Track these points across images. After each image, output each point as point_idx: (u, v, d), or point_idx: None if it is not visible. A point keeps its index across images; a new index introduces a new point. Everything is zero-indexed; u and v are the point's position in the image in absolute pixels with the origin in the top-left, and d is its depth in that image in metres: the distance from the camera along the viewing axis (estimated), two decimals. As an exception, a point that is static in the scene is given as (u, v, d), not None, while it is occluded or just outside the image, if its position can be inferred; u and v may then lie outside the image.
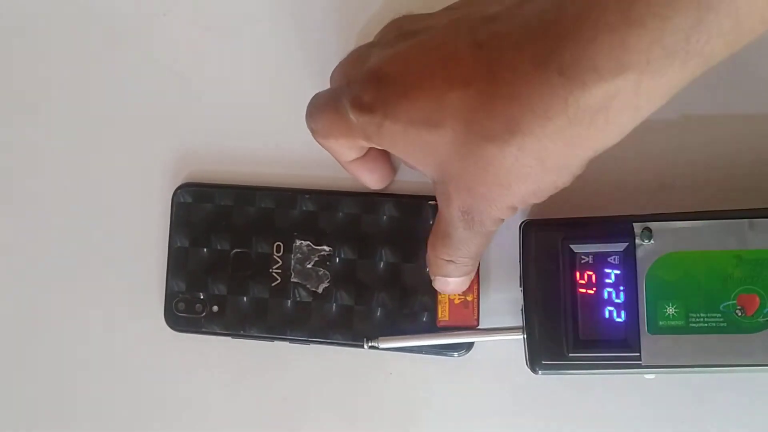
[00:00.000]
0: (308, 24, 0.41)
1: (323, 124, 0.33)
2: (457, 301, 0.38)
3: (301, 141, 0.40)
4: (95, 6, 0.43)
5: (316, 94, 0.35)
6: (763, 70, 0.37)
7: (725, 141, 0.37)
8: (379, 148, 0.32)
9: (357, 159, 0.36)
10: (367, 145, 0.33)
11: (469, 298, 0.38)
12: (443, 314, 0.38)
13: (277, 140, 0.41)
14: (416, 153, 0.30)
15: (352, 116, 0.31)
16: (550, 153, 0.27)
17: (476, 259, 0.34)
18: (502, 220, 0.31)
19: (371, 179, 0.38)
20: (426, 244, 0.35)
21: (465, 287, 0.36)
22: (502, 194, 0.29)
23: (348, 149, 0.34)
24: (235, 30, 0.42)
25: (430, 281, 0.36)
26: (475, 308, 0.38)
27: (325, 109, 0.33)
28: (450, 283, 0.35)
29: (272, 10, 0.41)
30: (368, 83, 0.30)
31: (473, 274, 0.36)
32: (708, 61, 0.24)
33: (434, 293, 0.38)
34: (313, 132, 0.34)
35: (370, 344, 0.37)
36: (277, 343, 0.40)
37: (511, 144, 0.27)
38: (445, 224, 0.32)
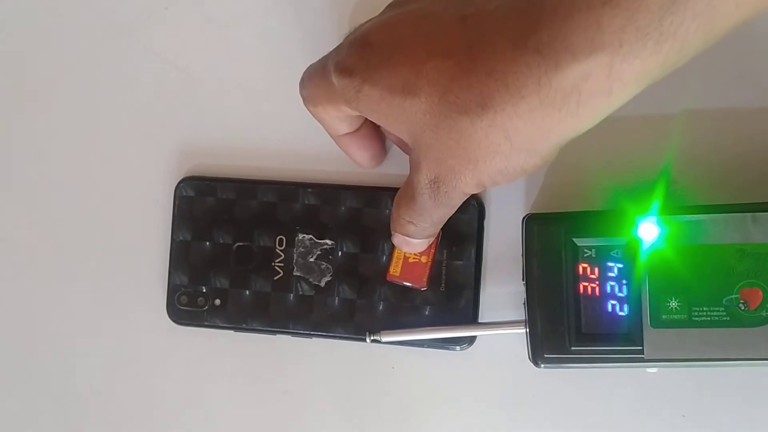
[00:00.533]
0: (310, 16, 0.41)
1: (311, 90, 0.34)
2: (411, 260, 0.38)
3: (303, 135, 0.40)
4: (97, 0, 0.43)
5: (310, 65, 0.35)
6: (765, 65, 0.37)
7: (728, 135, 0.37)
8: (358, 113, 0.32)
9: (348, 134, 0.36)
10: (349, 111, 0.33)
11: (423, 260, 0.38)
12: (395, 269, 0.38)
13: (279, 134, 0.41)
14: (392, 119, 0.30)
15: (334, 79, 0.31)
16: (519, 132, 0.27)
17: (438, 225, 0.35)
18: (468, 194, 0.31)
19: (363, 157, 0.38)
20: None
21: (423, 248, 0.37)
22: (470, 168, 0.29)
23: (338, 120, 0.34)
24: (237, 23, 0.42)
25: (390, 237, 0.36)
26: (427, 270, 0.38)
27: (313, 75, 0.33)
28: (409, 242, 0.35)
29: (274, 2, 0.41)
30: (353, 47, 0.30)
31: (433, 238, 0.36)
32: (683, 46, 0.24)
33: (392, 250, 0.38)
34: (303, 99, 0.35)
35: (372, 338, 0.37)
36: (279, 336, 0.40)
37: (483, 119, 0.27)
38: (412, 189, 0.32)
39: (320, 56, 0.39)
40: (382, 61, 0.29)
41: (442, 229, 0.37)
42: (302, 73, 0.35)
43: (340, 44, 0.32)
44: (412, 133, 0.30)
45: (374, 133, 0.37)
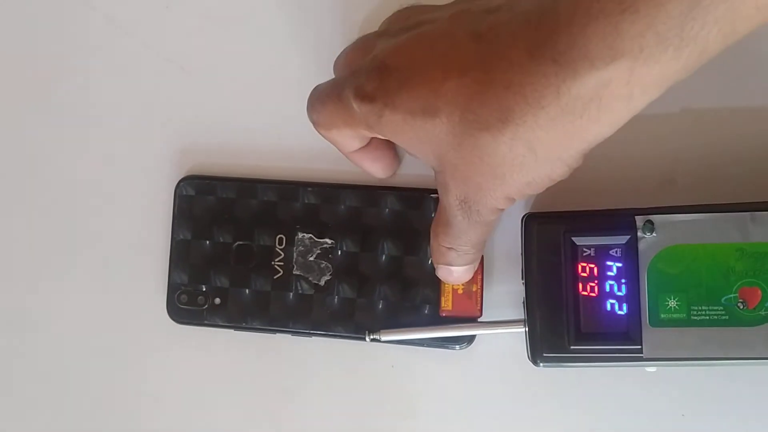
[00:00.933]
0: (311, 15, 0.41)
1: (325, 115, 0.34)
2: (460, 291, 0.38)
3: (303, 134, 0.40)
4: (98, -2, 0.43)
5: (317, 86, 0.35)
6: (765, 63, 0.37)
7: (728, 134, 0.37)
8: (381, 137, 0.32)
9: (360, 149, 0.36)
10: (369, 135, 0.33)
11: (473, 289, 0.38)
12: (446, 304, 0.38)
13: (279, 133, 0.41)
14: (415, 142, 0.30)
15: (355, 105, 0.31)
16: (542, 143, 0.27)
17: (478, 247, 0.34)
18: (500, 210, 0.31)
19: (376, 169, 0.38)
20: (429, 236, 0.35)
21: (468, 277, 0.36)
22: (497, 184, 0.29)
23: (351, 139, 0.35)
24: (237, 22, 0.42)
25: (434, 271, 0.36)
26: (479, 298, 0.38)
27: (327, 101, 0.33)
28: (453, 272, 0.35)
29: (275, 1, 0.41)
30: (371, 73, 0.30)
31: (476, 264, 0.36)
32: (703, 50, 0.24)
33: (437, 284, 0.38)
34: (315, 124, 0.34)
35: (371, 337, 0.38)
36: (278, 335, 0.40)
37: (504, 133, 0.27)
38: (445, 213, 0.32)
39: (321, 53, 0.40)
40: (401, 85, 0.29)
41: (483, 255, 0.37)
42: (309, 95, 0.35)
43: (356, 69, 0.32)
44: (437, 155, 0.30)
45: (385, 144, 0.37)
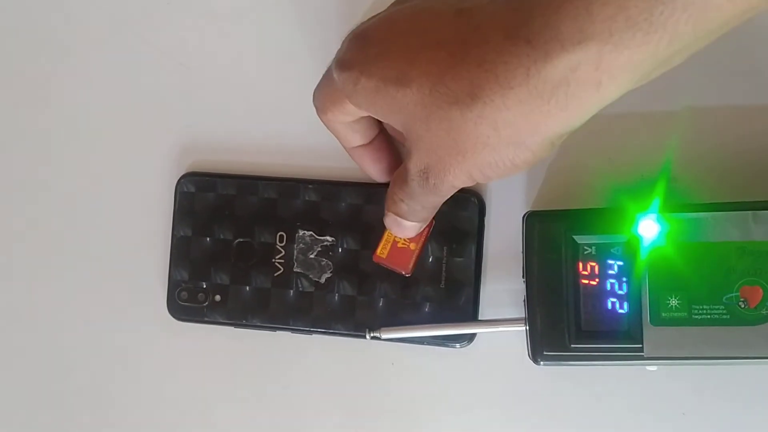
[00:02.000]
0: (312, 12, 0.41)
1: (319, 98, 0.34)
2: (400, 245, 0.37)
3: (304, 131, 0.40)
4: (99, -5, 0.43)
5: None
6: (767, 62, 0.37)
7: (730, 133, 0.37)
8: (360, 110, 0.32)
9: (362, 146, 0.36)
10: (353, 110, 0.33)
11: (412, 247, 0.37)
12: (383, 251, 0.38)
13: (280, 130, 0.41)
14: (387, 110, 0.30)
15: (335, 75, 0.31)
16: (508, 124, 0.27)
17: (430, 210, 0.34)
18: (458, 187, 0.31)
19: (376, 169, 0.38)
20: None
21: (412, 234, 0.36)
22: (459, 160, 0.29)
23: (351, 131, 0.35)
24: (238, 18, 0.42)
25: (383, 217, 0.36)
26: (414, 258, 0.37)
27: (321, 82, 0.34)
28: (400, 224, 0.35)
29: (276, -1, 0.41)
30: (352, 42, 0.31)
31: (425, 224, 0.36)
32: (672, 38, 0.24)
33: (383, 232, 0.37)
34: (316, 109, 0.35)
35: (372, 335, 0.37)
36: (279, 333, 0.40)
37: (472, 109, 0.27)
38: (406, 174, 0.32)
39: (322, 50, 0.40)
40: (379, 54, 0.29)
41: (434, 220, 0.37)
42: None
43: (342, 42, 0.32)
44: (405, 124, 0.30)
45: (387, 145, 0.37)
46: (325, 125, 0.35)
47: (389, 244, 0.38)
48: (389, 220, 0.35)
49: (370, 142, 0.36)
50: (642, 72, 0.25)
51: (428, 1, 0.30)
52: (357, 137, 0.35)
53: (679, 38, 0.24)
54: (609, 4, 0.23)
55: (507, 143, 0.28)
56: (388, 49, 0.29)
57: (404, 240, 0.37)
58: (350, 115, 0.34)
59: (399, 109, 0.29)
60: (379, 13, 0.32)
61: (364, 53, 0.30)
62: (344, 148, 0.36)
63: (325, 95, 0.33)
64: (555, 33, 0.24)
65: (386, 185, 0.39)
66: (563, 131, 0.27)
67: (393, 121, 0.31)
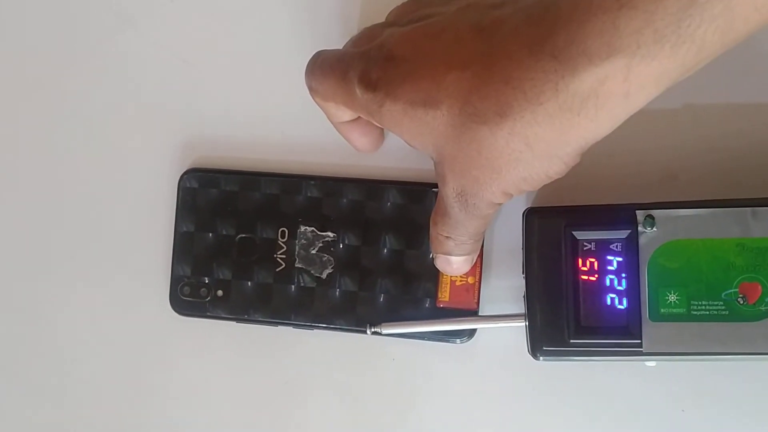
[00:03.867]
0: (314, 9, 0.41)
1: (326, 87, 0.34)
2: (458, 283, 0.38)
3: (306, 127, 0.41)
4: (104, -8, 0.44)
5: (321, 53, 0.35)
6: (767, 59, 0.37)
7: (729, 130, 0.37)
8: (381, 126, 0.32)
9: (350, 121, 0.36)
10: (369, 120, 0.33)
11: (470, 281, 0.38)
12: (443, 295, 0.38)
13: (283, 127, 0.41)
14: (415, 133, 0.30)
15: (358, 91, 0.31)
16: (540, 139, 0.27)
17: (476, 238, 0.34)
18: (497, 204, 0.31)
19: (363, 143, 0.38)
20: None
21: (467, 268, 0.36)
22: (494, 178, 0.29)
23: (343, 112, 0.35)
24: (242, 16, 0.42)
25: (433, 261, 0.36)
26: (476, 291, 0.38)
27: (330, 74, 0.33)
28: (451, 262, 0.35)
29: (279, -4, 0.42)
30: (378, 62, 0.31)
31: (475, 256, 0.36)
32: (700, 48, 0.24)
33: (436, 275, 0.38)
34: (312, 90, 0.35)
35: (372, 330, 0.38)
36: (280, 328, 0.40)
37: (502, 128, 0.27)
38: (443, 203, 0.32)
39: (326, 48, 0.40)
40: (404, 76, 0.29)
41: (482, 249, 0.37)
42: (311, 59, 0.35)
43: (365, 51, 0.32)
44: (436, 146, 0.30)
45: None
46: (316, 103, 0.35)
47: (447, 286, 0.38)
48: (440, 262, 0.36)
49: (358, 117, 0.36)
50: (670, 79, 0.25)
51: (448, 18, 0.30)
52: (346, 115, 0.35)
53: (707, 47, 0.24)
54: (636, 18, 0.24)
55: (540, 157, 0.28)
56: (414, 71, 0.29)
57: (461, 277, 0.37)
58: (352, 114, 0.34)
59: (428, 131, 0.29)
60: (399, 29, 0.32)
61: (389, 74, 0.30)
62: (331, 122, 0.36)
63: (336, 93, 0.33)
64: (582, 48, 0.25)
65: (386, 181, 0.39)
66: (594, 140, 0.27)
67: (421, 144, 0.31)
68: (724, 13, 0.23)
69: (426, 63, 0.29)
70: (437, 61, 0.29)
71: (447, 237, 0.34)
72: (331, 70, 0.33)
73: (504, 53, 0.27)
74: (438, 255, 0.35)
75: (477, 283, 0.38)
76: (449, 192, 0.31)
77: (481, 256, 0.37)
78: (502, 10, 0.28)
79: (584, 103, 0.25)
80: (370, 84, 0.30)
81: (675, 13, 0.23)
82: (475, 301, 0.38)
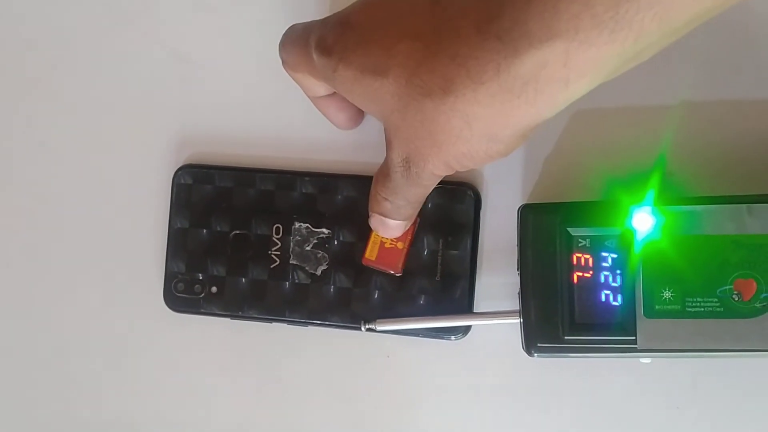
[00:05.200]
0: (310, 6, 0.41)
1: (292, 57, 0.34)
2: (387, 245, 0.38)
3: (301, 124, 0.40)
4: (98, -13, 0.43)
5: (294, 26, 0.35)
6: (763, 56, 0.36)
7: (725, 127, 0.37)
8: (335, 90, 0.32)
9: (326, 96, 0.36)
10: (327, 84, 0.33)
11: (399, 246, 0.38)
12: (371, 253, 0.38)
13: (277, 123, 0.41)
14: (365, 99, 0.30)
15: (314, 56, 0.31)
16: (479, 119, 0.27)
17: (413, 206, 0.35)
18: (438, 175, 0.31)
19: (339, 118, 0.38)
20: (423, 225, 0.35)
21: (399, 233, 0.36)
22: (435, 151, 0.29)
23: (316, 84, 0.35)
24: (236, 11, 0.42)
25: (368, 219, 0.36)
26: (403, 257, 0.38)
27: (296, 43, 0.33)
28: (385, 224, 0.35)
29: (274, -8, 0.41)
30: (334, 26, 0.31)
31: (409, 223, 0.36)
32: (638, 35, 0.24)
33: (368, 234, 0.38)
34: (283, 62, 0.35)
35: (367, 327, 0.38)
36: (275, 324, 0.40)
37: (445, 103, 0.27)
38: (387, 167, 0.32)
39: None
40: (358, 42, 0.30)
41: (418, 218, 0.37)
42: (283, 33, 0.35)
43: (326, 18, 0.32)
44: (384, 114, 0.30)
45: None
46: (290, 76, 0.35)
47: (377, 246, 0.38)
48: (374, 221, 0.36)
49: (334, 92, 0.36)
50: (610, 68, 0.25)
51: None
52: (321, 89, 0.35)
53: (645, 36, 0.24)
54: (575, 2, 0.24)
55: (479, 136, 0.28)
56: (367, 38, 0.29)
57: (391, 240, 0.38)
58: (327, 88, 0.34)
59: (376, 98, 0.29)
60: None
61: (343, 40, 0.30)
62: (308, 96, 0.36)
63: (299, 60, 0.33)
64: (524, 30, 0.25)
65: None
66: (534, 124, 0.27)
67: (370, 110, 0.31)
68: (662, 0, 0.23)
69: (379, 30, 0.29)
70: (390, 30, 0.29)
71: (385, 198, 0.34)
72: (297, 40, 0.33)
73: (454, 28, 0.27)
74: (374, 214, 0.35)
75: (405, 249, 0.38)
76: (394, 157, 0.31)
77: (415, 224, 0.38)
78: None
79: (524, 86, 0.26)
80: (325, 49, 0.31)
81: None
82: (400, 266, 0.38)
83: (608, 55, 0.25)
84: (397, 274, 0.38)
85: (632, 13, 0.23)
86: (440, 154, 0.29)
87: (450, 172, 0.31)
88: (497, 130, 0.28)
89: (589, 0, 0.23)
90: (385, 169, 0.33)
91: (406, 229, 0.37)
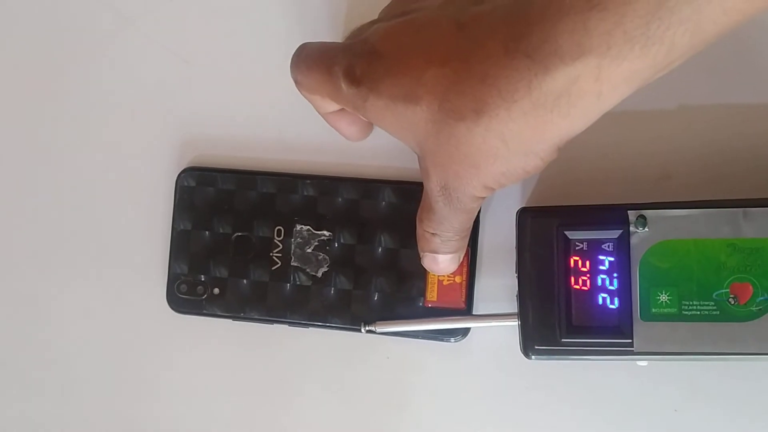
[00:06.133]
0: (311, 9, 0.41)
1: (311, 81, 0.34)
2: (445, 282, 0.38)
3: (303, 127, 0.41)
4: (103, -8, 0.44)
5: (305, 46, 0.35)
6: (761, 60, 0.37)
7: (722, 131, 0.37)
8: (366, 119, 0.33)
9: (337, 111, 0.36)
10: (354, 113, 0.33)
11: (458, 280, 0.38)
12: (431, 295, 0.38)
13: (279, 126, 0.42)
14: (397, 128, 0.31)
15: (343, 85, 0.32)
16: (515, 136, 0.27)
17: (462, 235, 0.35)
18: (480, 198, 0.31)
19: (350, 131, 0.38)
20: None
21: (454, 267, 0.36)
22: (473, 173, 0.29)
23: (329, 104, 0.35)
24: (240, 14, 0.42)
25: (420, 261, 0.36)
26: (464, 290, 0.38)
27: (315, 68, 0.34)
28: (438, 261, 0.35)
29: (276, -3, 0.42)
30: (362, 57, 0.31)
31: (461, 254, 0.36)
32: (670, 49, 0.24)
33: (425, 276, 0.38)
34: (298, 83, 0.35)
35: (367, 328, 0.38)
36: (276, 325, 0.40)
37: (479, 124, 0.27)
38: (428, 199, 0.32)
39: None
40: (387, 71, 0.30)
41: (469, 248, 0.37)
42: (296, 51, 0.35)
43: (350, 46, 0.32)
44: (417, 141, 0.30)
45: None
46: (303, 95, 0.35)
47: (435, 285, 0.38)
48: (427, 261, 0.36)
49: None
50: (642, 79, 0.26)
51: (429, 13, 0.30)
52: (332, 105, 0.35)
53: (676, 49, 0.24)
54: (606, 20, 0.24)
55: (516, 153, 0.28)
56: (396, 66, 0.30)
57: (448, 276, 0.38)
58: (338, 106, 0.34)
59: (409, 126, 0.30)
60: (383, 21, 0.32)
61: (372, 69, 0.30)
62: (318, 113, 0.37)
63: (321, 86, 0.33)
64: (554, 47, 0.25)
65: (382, 181, 0.40)
66: (568, 137, 0.28)
67: (404, 138, 0.31)
68: (693, 16, 0.23)
69: (407, 58, 0.30)
70: (417, 57, 0.29)
71: (433, 234, 0.34)
72: (315, 64, 0.34)
73: (481, 50, 0.27)
74: (425, 253, 0.35)
75: (464, 282, 0.38)
76: (433, 186, 0.31)
77: (467, 255, 0.37)
78: (481, 7, 0.29)
79: (557, 101, 0.26)
80: (354, 79, 0.31)
81: (644, 16, 0.24)
82: (463, 300, 0.38)
83: (640, 68, 0.25)
84: (461, 309, 0.38)
85: (663, 29, 0.24)
86: (479, 175, 0.29)
87: (490, 194, 0.31)
88: (532, 145, 0.28)
89: (620, 18, 0.24)
90: (426, 204, 0.33)
91: (460, 261, 0.37)
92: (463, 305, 0.38)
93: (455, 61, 0.28)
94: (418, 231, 0.35)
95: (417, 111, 0.29)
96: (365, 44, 0.31)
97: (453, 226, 0.33)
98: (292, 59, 0.35)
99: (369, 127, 0.39)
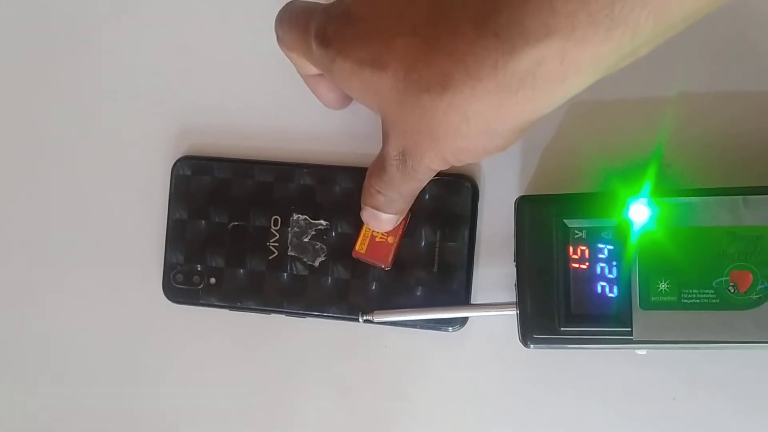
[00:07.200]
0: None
1: (290, 38, 0.34)
2: (378, 239, 0.38)
3: (300, 115, 0.41)
4: (97, -21, 0.44)
5: (292, 2, 0.35)
6: (761, 48, 0.36)
7: (722, 119, 0.37)
8: (333, 82, 0.33)
9: (317, 75, 0.36)
10: (324, 74, 0.33)
11: (390, 240, 0.38)
12: (361, 246, 0.38)
13: (276, 114, 0.41)
14: (363, 92, 0.31)
15: (313, 45, 0.31)
16: (477, 114, 0.27)
17: (407, 199, 0.35)
18: (434, 170, 0.31)
19: (329, 98, 0.38)
20: (422, 217, 0.35)
21: (390, 227, 0.37)
22: (432, 145, 0.29)
23: (308, 64, 0.35)
24: (236, 4, 0.42)
25: (360, 212, 0.36)
26: (393, 251, 0.38)
27: (295, 25, 0.33)
28: (378, 217, 0.36)
29: (272, -16, 0.41)
30: (335, 18, 0.31)
31: (401, 217, 0.37)
32: (635, 32, 0.24)
33: (360, 227, 0.38)
34: (279, 39, 0.35)
35: (365, 318, 0.38)
36: (273, 315, 0.40)
37: (443, 98, 0.27)
38: (383, 160, 0.32)
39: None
40: (358, 36, 0.30)
41: (410, 213, 0.37)
42: (282, 8, 0.35)
43: (327, 6, 0.32)
44: (381, 107, 0.30)
45: None
46: (283, 53, 0.35)
47: (367, 239, 0.38)
48: (366, 214, 0.36)
49: None
50: (607, 64, 0.25)
51: None
52: (313, 69, 0.35)
53: (641, 33, 0.24)
54: (571, 1, 0.24)
55: (477, 131, 0.28)
56: (367, 31, 0.29)
57: (382, 234, 0.38)
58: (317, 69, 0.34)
59: (374, 91, 0.30)
60: None
61: (342, 31, 0.30)
62: (299, 74, 0.36)
63: (297, 43, 0.33)
64: (521, 27, 0.25)
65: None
66: (532, 120, 0.28)
67: (367, 102, 0.31)
68: None
69: (379, 24, 0.29)
70: (389, 23, 0.29)
71: (379, 191, 0.34)
72: (296, 21, 0.33)
73: (452, 24, 0.27)
74: (367, 207, 0.36)
75: (395, 244, 0.38)
76: (390, 150, 0.31)
77: (406, 219, 0.38)
78: None
79: (522, 83, 0.26)
80: (324, 39, 0.31)
81: None
82: (390, 260, 0.38)
83: (605, 52, 0.25)
84: (386, 268, 0.38)
85: (627, 11, 0.23)
86: (437, 148, 0.29)
87: (446, 167, 0.31)
88: (495, 125, 0.28)
89: None
90: (380, 163, 0.33)
91: (398, 223, 0.37)
92: (389, 265, 0.38)
93: (426, 32, 0.28)
94: (365, 184, 0.35)
95: (383, 77, 0.29)
96: (341, 5, 0.31)
97: (400, 190, 0.33)
98: (276, 15, 0.35)
99: (348, 96, 0.38)
